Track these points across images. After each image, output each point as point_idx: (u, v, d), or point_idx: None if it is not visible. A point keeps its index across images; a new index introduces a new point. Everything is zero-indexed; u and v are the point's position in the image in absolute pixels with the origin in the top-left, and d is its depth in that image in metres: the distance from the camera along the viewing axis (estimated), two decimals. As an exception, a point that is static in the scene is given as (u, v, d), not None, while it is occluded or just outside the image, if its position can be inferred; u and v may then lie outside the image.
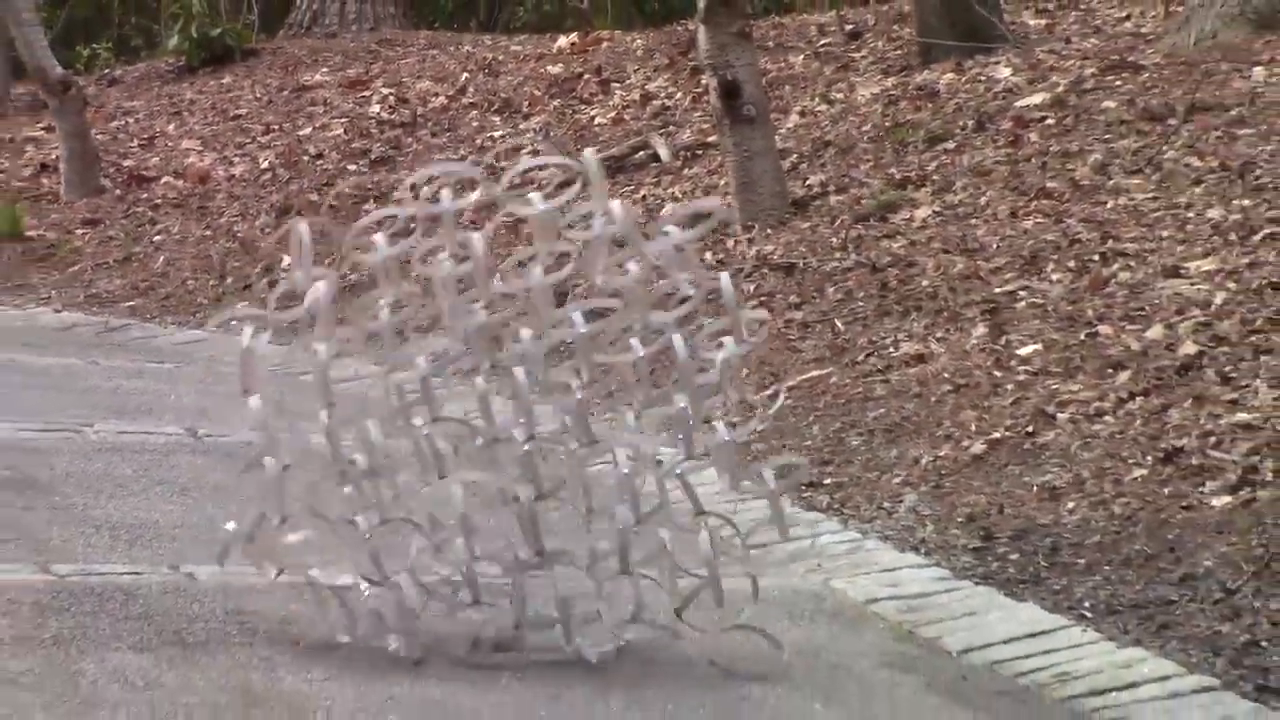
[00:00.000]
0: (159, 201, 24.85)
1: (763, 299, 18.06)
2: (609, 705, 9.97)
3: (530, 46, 27.48)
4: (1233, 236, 17.05)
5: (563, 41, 27.22)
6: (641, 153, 22.75)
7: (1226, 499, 13.05)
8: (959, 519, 13.35)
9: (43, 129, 27.20)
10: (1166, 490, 13.28)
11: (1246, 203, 17.74)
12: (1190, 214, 17.79)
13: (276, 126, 26.21)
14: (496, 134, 24.66)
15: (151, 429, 15.48)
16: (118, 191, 25.36)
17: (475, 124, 25.12)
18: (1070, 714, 10.73)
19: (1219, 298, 15.86)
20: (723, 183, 20.40)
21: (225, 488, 13.98)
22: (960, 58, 23.17)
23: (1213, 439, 13.76)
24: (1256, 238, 16.92)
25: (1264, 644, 11.33)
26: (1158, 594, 12.04)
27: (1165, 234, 17.40)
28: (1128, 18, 24.16)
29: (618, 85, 25.32)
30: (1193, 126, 19.83)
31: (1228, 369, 14.58)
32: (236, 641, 10.75)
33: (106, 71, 29.44)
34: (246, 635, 10.88)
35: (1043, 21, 24.49)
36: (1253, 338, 15.03)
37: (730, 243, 19.55)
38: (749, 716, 10.29)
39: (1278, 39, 21.61)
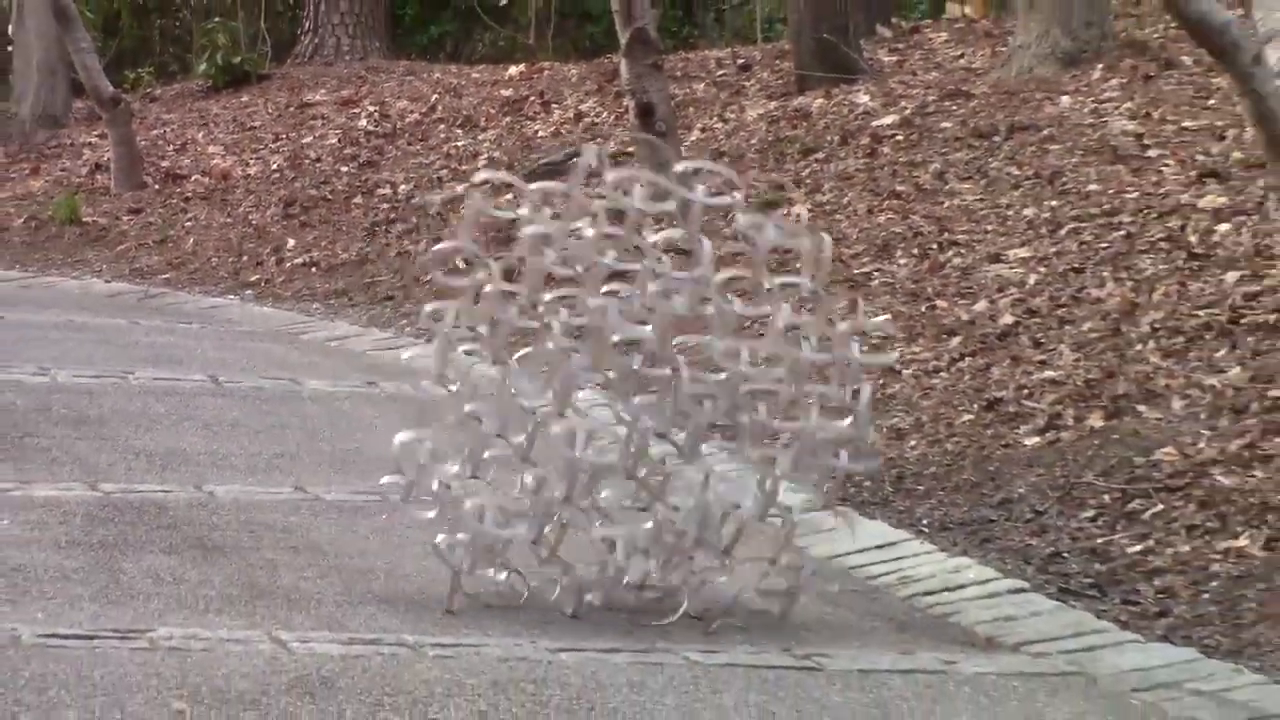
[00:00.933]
0: (189, 195, 24.82)
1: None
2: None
3: (487, 74, 27.39)
4: (1043, 230, 17.16)
5: (513, 70, 27.19)
6: (575, 159, 22.82)
7: (1036, 439, 13.16)
8: (898, 462, 13.49)
9: (97, 136, 27.14)
10: (989, 432, 13.36)
11: (1054, 204, 17.83)
12: (1009, 212, 17.88)
13: (284, 135, 26.17)
14: (460, 143, 24.68)
15: (181, 376, 15.55)
16: (156, 186, 25.37)
17: (443, 135, 25.11)
18: (910, 609, 10.73)
19: (1032, 279, 15.98)
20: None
21: (241, 423, 14.17)
22: (829, 87, 23.22)
23: (1025, 391, 13.87)
24: (1062, 231, 17.03)
25: (1065, 555, 11.33)
26: (981, 515, 12.09)
27: (989, 228, 17.50)
28: (962, 56, 24.15)
29: (556, 106, 25.32)
30: (1013, 143, 19.92)
31: (1038, 335, 14.69)
32: (247, 546, 10.92)
33: (148, 90, 29.35)
34: (255, 541, 11.04)
35: (895, 58, 24.44)
36: (1058, 311, 15.12)
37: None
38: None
39: (1081, 74, 21.71)
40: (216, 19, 31.04)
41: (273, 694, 8.39)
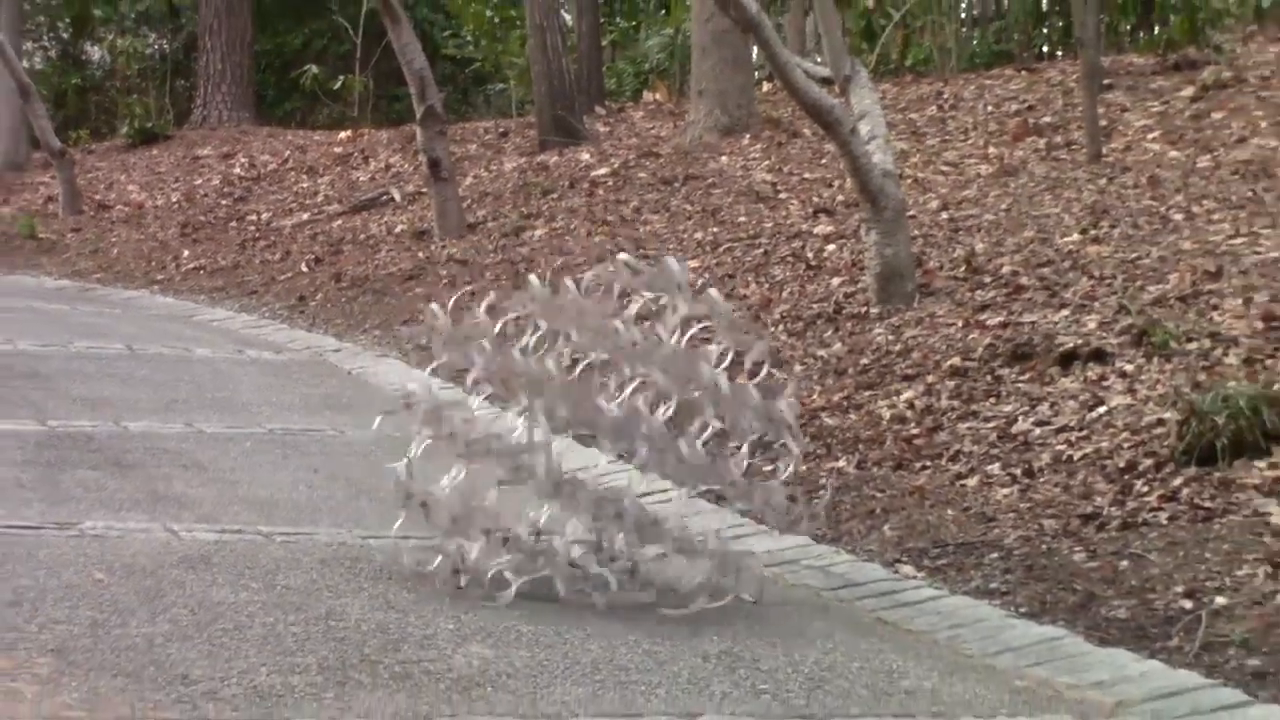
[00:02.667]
0: (114, 219, 24.60)
1: (453, 278, 18.06)
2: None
3: (324, 137, 27.19)
4: (707, 248, 17.11)
5: (342, 135, 26.97)
6: (384, 196, 22.65)
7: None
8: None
9: (49, 177, 26.82)
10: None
11: (715, 230, 17.77)
12: (685, 236, 17.83)
13: (181, 178, 25.93)
14: (305, 185, 24.52)
15: (105, 345, 15.41)
16: (91, 213, 25.13)
17: (293, 180, 24.94)
18: (611, 495, 10.53)
19: (699, 282, 15.91)
20: (430, 216, 20.33)
21: (148, 378, 14.03)
22: (561, 148, 23.13)
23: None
24: (720, 249, 16.96)
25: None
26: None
27: (671, 246, 17.45)
28: (653, 128, 24.05)
29: (372, 159, 25.13)
30: (687, 188, 19.86)
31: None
32: (150, 465, 10.85)
33: (86, 146, 29.01)
34: (156, 461, 10.97)
35: (607, 129, 24.33)
36: (730, 296, 15.16)
37: (434, 248, 19.52)
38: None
39: (734, 141, 21.68)
40: (134, 95, 30.64)
41: (166, 567, 8.35)
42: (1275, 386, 10.33)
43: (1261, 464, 9.58)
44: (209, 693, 6.59)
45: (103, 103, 31.04)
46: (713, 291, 9.16)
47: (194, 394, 13.50)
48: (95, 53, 30.99)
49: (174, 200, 24.94)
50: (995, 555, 9.15)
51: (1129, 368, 11.56)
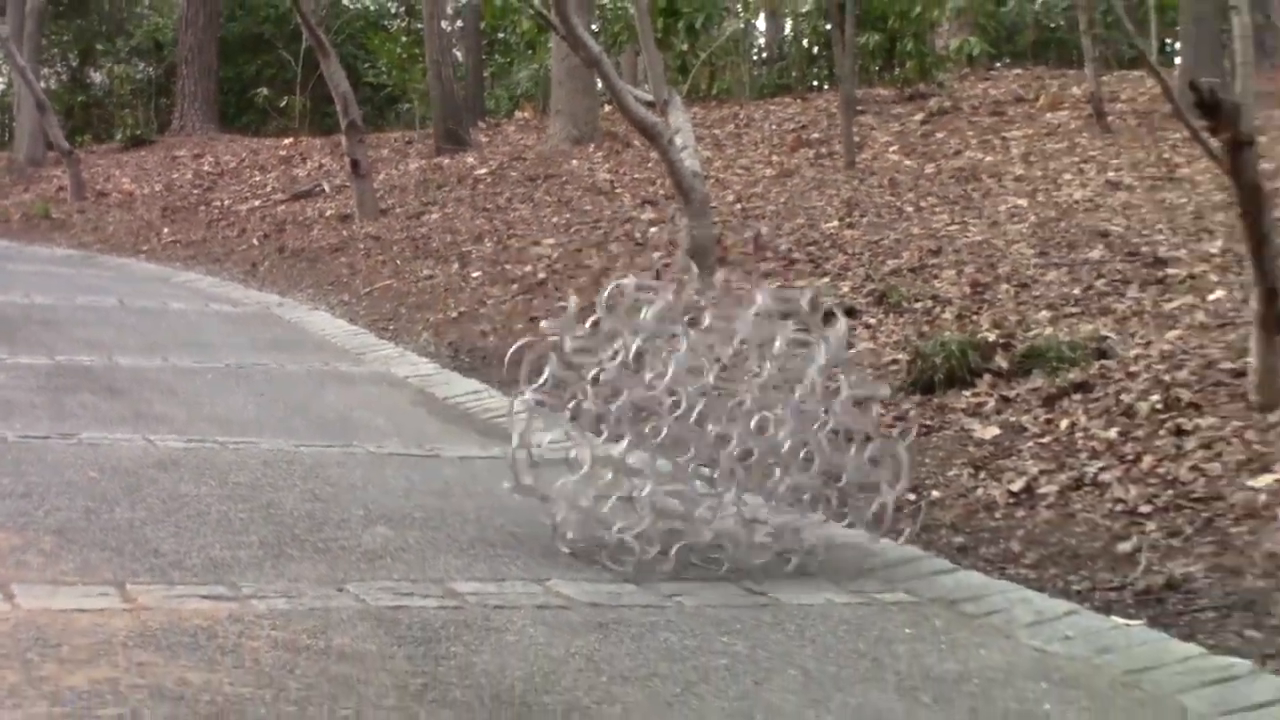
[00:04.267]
0: (111, 204, 24.32)
1: (371, 253, 17.98)
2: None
3: (273, 143, 26.97)
4: (561, 230, 17.08)
5: (286, 141, 26.78)
6: (317, 188, 22.47)
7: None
8: (447, 344, 13.32)
9: (60, 171, 26.49)
10: (537, 330, 13.35)
11: (569, 216, 17.72)
12: (545, 220, 17.81)
13: (163, 173, 25.65)
14: (257, 179, 24.30)
15: (102, 300, 15.24)
16: (93, 199, 24.83)
17: (247, 175, 24.73)
18: (488, 426, 10.44)
19: (555, 254, 15.91)
20: (352, 203, 20.20)
21: (134, 326, 13.85)
22: (452, 153, 23.04)
23: (546, 312, 13.86)
24: (571, 230, 16.96)
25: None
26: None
27: (534, 228, 17.41)
28: (523, 138, 23.97)
29: (309, 160, 24.96)
30: (547, 184, 19.79)
31: (558, 283, 14.63)
32: (135, 391, 10.69)
33: (89, 148, 28.68)
34: (140, 388, 10.81)
35: (487, 139, 24.22)
36: (568, 271, 15.11)
37: (354, 228, 19.39)
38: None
39: (582, 148, 21.62)
40: (127, 110, 30.36)
41: (144, 468, 8.26)
42: (978, 335, 10.45)
43: (967, 393, 9.71)
44: (175, 563, 6.56)
45: (102, 115, 30.74)
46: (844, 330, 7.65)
47: (170, 337, 13.35)
48: (97, 77, 30.73)
49: (156, 190, 24.69)
50: (770, 460, 9.16)
51: (872, 321, 11.64)
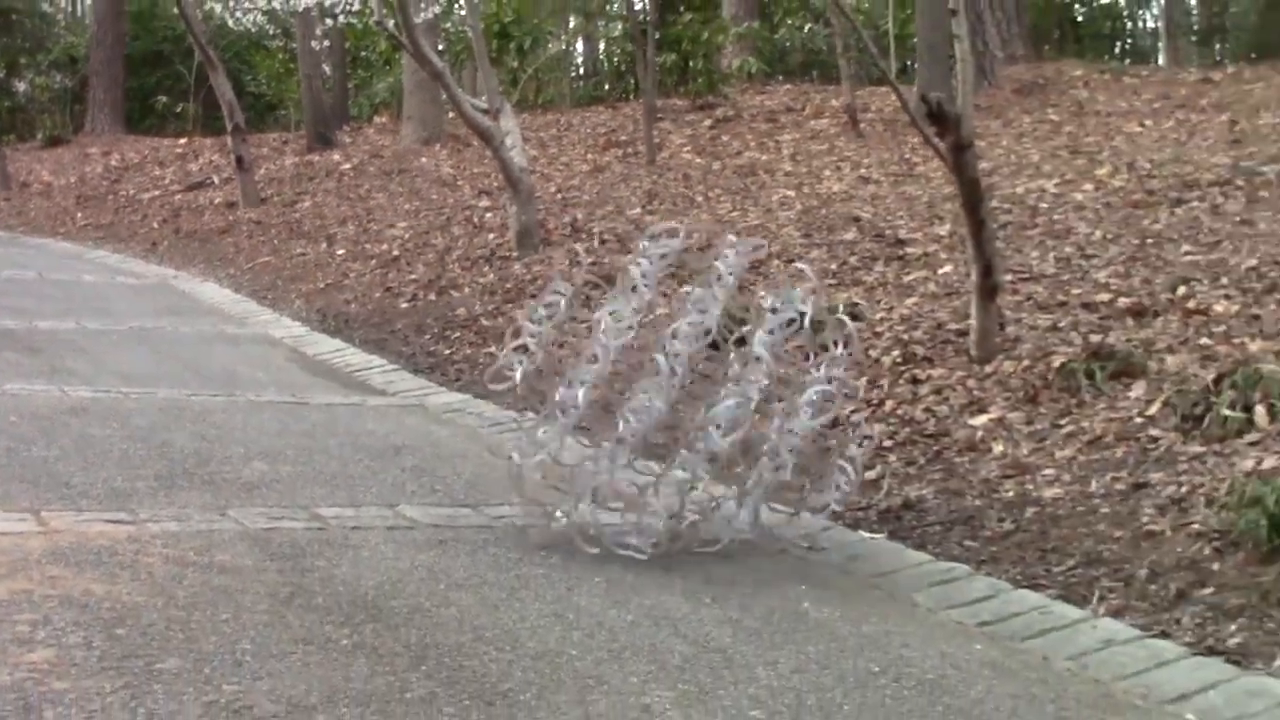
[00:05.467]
0: (33, 193, 23.70)
1: (252, 234, 17.75)
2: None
3: (170, 142, 26.39)
4: (413, 215, 16.94)
5: (183, 141, 26.23)
6: (208, 181, 22.07)
7: (406, 304, 12.99)
8: (316, 310, 13.19)
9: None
10: (388, 300, 13.25)
11: (418, 204, 17.53)
12: (399, 207, 17.65)
13: (76, 167, 25.03)
14: (157, 173, 23.80)
15: (23, 273, 14.90)
16: (16, 189, 24.17)
17: (149, 169, 24.20)
18: (350, 378, 10.40)
19: (407, 235, 15.76)
20: (237, 193, 19.86)
21: (52, 295, 13.55)
22: (321, 150, 22.72)
23: (403, 283, 13.70)
24: (420, 215, 16.79)
25: (429, 353, 11.26)
26: (379, 335, 11.95)
27: (390, 214, 17.26)
28: (381, 138, 23.66)
29: (200, 156, 24.42)
30: (400, 177, 19.60)
31: (408, 260, 14.49)
32: (51, 350, 10.50)
33: (14, 146, 27.87)
34: (55, 348, 10.61)
35: (350, 139, 23.91)
36: (417, 250, 14.99)
37: (239, 213, 19.10)
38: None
39: (430, 148, 21.42)
40: (47, 114, 29.67)
41: (58, 414, 8.11)
42: (755, 301, 10.49)
43: (744, 349, 9.73)
44: (82, 493, 6.46)
45: (25, 118, 30.00)
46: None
47: (82, 304, 13.07)
48: (21, 86, 29.97)
49: (71, 181, 24.10)
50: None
51: (667, 291, 11.64)
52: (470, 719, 4.14)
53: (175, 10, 21.66)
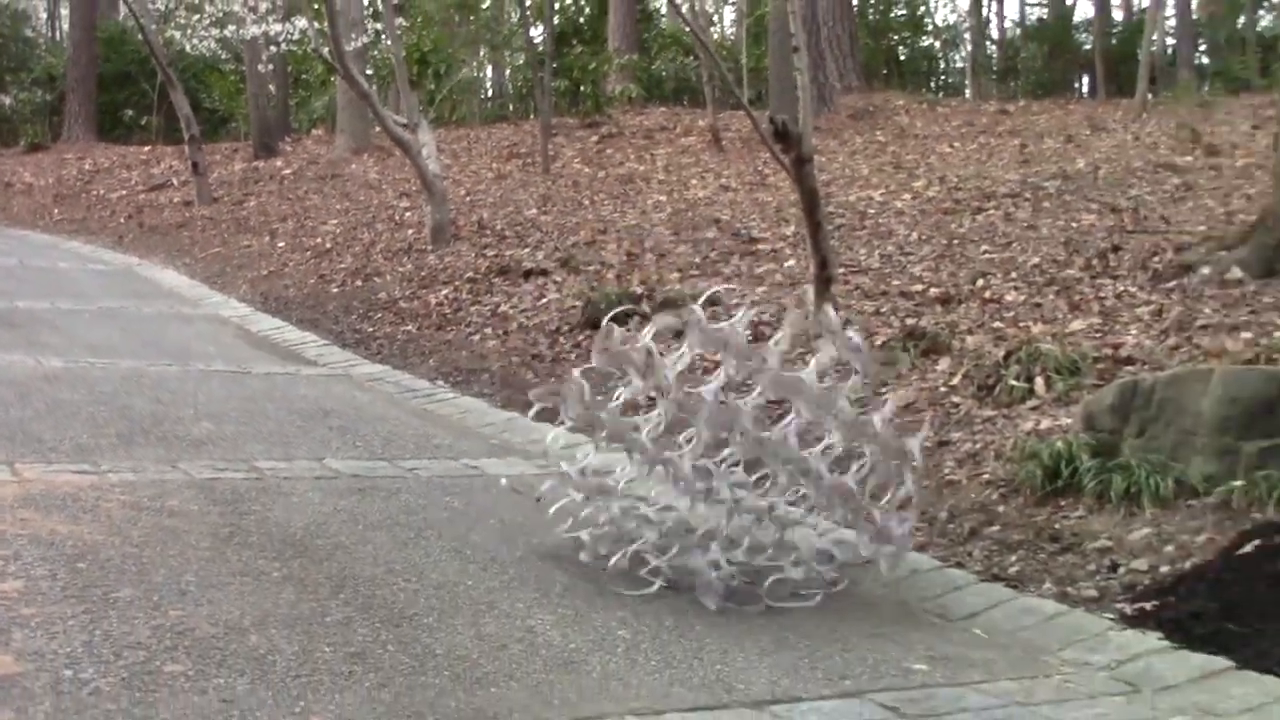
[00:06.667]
0: (15, 191, 23.13)
1: (206, 229, 17.46)
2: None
3: (136, 150, 25.83)
4: (343, 213, 16.73)
5: (146, 149, 25.66)
6: (168, 183, 21.65)
7: (337, 289, 12.80)
8: (259, 294, 12.98)
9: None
10: (322, 285, 13.09)
11: (347, 204, 17.29)
12: (331, 206, 17.43)
13: (54, 171, 24.40)
14: (123, 176, 23.30)
15: (6, 260, 14.61)
16: (2, 189, 23.61)
17: (116, 173, 23.72)
18: (287, 351, 10.23)
19: (338, 230, 15.59)
20: (193, 193, 19.50)
21: (30, 279, 13.28)
22: (266, 158, 22.41)
23: (335, 271, 13.50)
24: (350, 214, 16.56)
25: (356, 329, 11.15)
26: (312, 315, 11.79)
27: (324, 212, 17.05)
28: (319, 148, 23.34)
29: (162, 162, 23.88)
30: (334, 181, 19.39)
31: (340, 251, 14.32)
32: (29, 325, 10.31)
33: (0, 152, 27.25)
34: (33, 324, 10.41)
35: (291, 148, 23.58)
36: (348, 243, 14.80)
37: (194, 211, 18.79)
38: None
39: (359, 157, 21.20)
40: (29, 124, 28.92)
41: (33, 381, 7.97)
42: (630, 289, 10.49)
43: (623, 329, 9.72)
44: (52, 448, 6.34)
45: (10, 128, 29.22)
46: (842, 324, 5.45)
47: (57, 288, 12.82)
48: (7, 100, 29.20)
49: (50, 182, 23.54)
50: (486, 376, 9.14)
51: (558, 279, 11.61)
52: (380, 638, 4.12)
53: (141, 37, 21.21)
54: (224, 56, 27.47)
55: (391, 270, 13.14)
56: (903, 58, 31.20)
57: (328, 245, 14.93)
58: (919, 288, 9.39)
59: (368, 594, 4.54)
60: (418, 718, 3.54)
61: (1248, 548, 4.83)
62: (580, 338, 9.72)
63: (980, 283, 9.20)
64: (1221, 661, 4.10)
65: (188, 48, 21.99)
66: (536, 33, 25.14)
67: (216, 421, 7.25)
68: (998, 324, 8.18)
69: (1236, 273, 8.70)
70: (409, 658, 3.96)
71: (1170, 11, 28.42)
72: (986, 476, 6.02)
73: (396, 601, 4.48)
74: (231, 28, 20.16)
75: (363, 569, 4.82)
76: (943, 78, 32.56)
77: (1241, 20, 27.51)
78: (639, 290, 10.45)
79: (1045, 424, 6.35)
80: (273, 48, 20.64)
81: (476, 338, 10.28)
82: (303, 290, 12.99)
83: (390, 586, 4.64)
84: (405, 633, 4.19)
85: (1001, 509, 5.72)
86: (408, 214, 15.95)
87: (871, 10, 30.12)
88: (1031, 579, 5.04)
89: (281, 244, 15.54)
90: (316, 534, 5.23)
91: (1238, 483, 5.39)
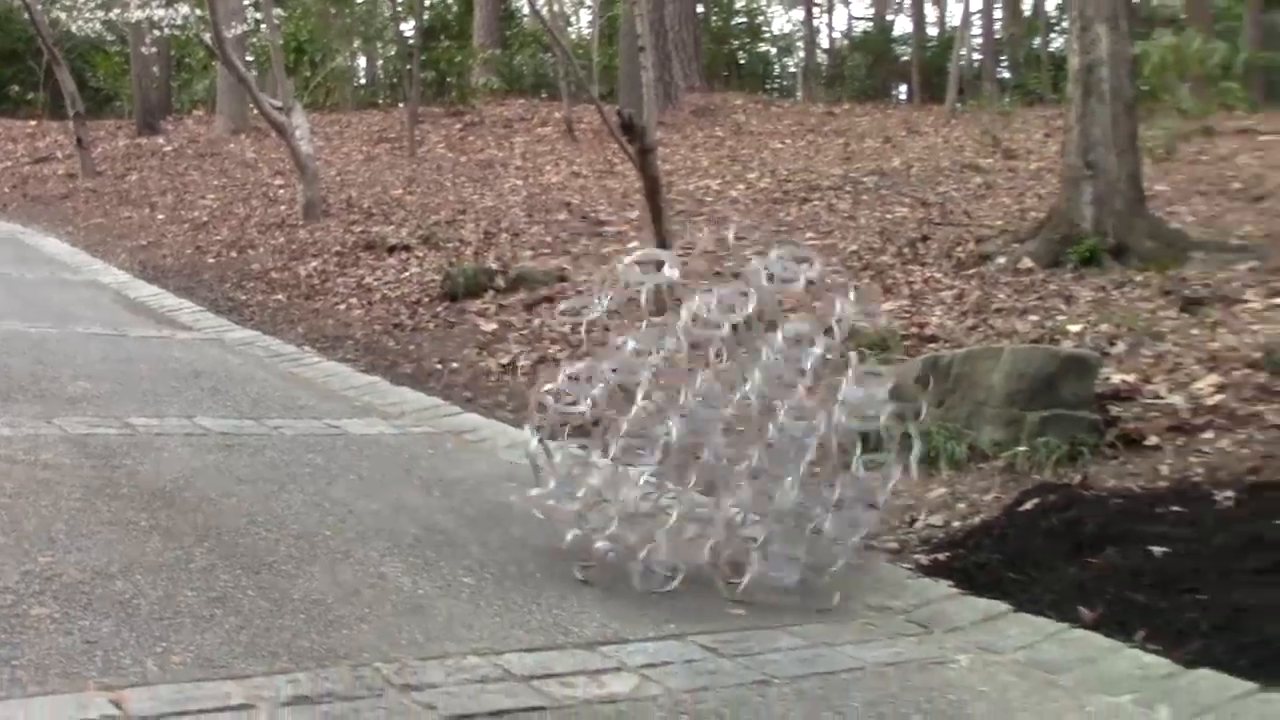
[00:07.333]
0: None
1: (89, 200, 16.90)
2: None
3: (22, 125, 24.82)
4: (220, 189, 16.37)
5: (32, 123, 24.74)
6: (52, 155, 20.93)
7: (215, 259, 12.60)
8: (138, 262, 12.64)
9: None
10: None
11: (225, 180, 16.96)
12: (209, 183, 17.02)
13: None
14: (9, 148, 22.42)
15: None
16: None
17: (2, 145, 22.82)
18: (163, 316, 10.00)
19: (215, 205, 15.29)
20: (77, 166, 18.85)
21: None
22: (148, 135, 21.80)
23: (215, 243, 13.28)
24: (228, 190, 16.27)
25: (232, 296, 10.91)
26: (200, 281, 11.48)
27: (202, 188, 16.66)
28: (198, 129, 22.68)
29: (48, 136, 22.90)
30: (213, 159, 18.94)
31: (216, 224, 14.09)
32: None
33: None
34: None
35: (172, 127, 22.91)
36: (225, 216, 14.54)
37: (78, 183, 18.17)
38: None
39: (238, 137, 20.72)
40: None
41: (-85, 340, 7.68)
42: (486, 265, 10.43)
43: (479, 301, 9.72)
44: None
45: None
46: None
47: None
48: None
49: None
50: (351, 342, 9.01)
51: (421, 254, 11.51)
52: (241, 584, 4.03)
53: (27, 16, 20.49)
54: (110, 38, 26.60)
55: (265, 243, 12.88)
56: (742, 61, 31.45)
57: (205, 219, 14.58)
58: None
59: (231, 543, 4.44)
60: (273, 657, 3.47)
61: (1027, 505, 4.96)
62: (439, 309, 9.63)
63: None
64: (1001, 605, 4.20)
65: (73, 28, 21.24)
66: (407, 27, 24.80)
67: (93, 381, 7.03)
68: (818, 304, 8.25)
69: (1027, 263, 8.93)
70: (267, 602, 3.89)
71: (977, 30, 29.18)
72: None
73: (258, 550, 4.39)
74: (116, 10, 19.53)
75: (227, 520, 4.71)
76: (777, 81, 32.88)
77: (1037, 41, 28.28)
78: (494, 266, 10.39)
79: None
80: (156, 31, 20.03)
81: (342, 307, 10.13)
82: (180, 260, 12.67)
83: (252, 536, 4.54)
84: (265, 579, 4.10)
85: (818, 470, 5.77)
86: (281, 191, 15.65)
87: (715, 17, 30.25)
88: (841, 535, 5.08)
89: (161, 216, 15.13)
90: (185, 487, 5.11)
91: (1021, 448, 5.54)
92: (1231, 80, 17.61)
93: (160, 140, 21.44)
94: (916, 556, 4.77)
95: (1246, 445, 5.48)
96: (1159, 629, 3.84)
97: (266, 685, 3.28)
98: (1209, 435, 5.65)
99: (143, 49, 21.35)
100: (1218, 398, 6.03)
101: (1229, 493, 4.76)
